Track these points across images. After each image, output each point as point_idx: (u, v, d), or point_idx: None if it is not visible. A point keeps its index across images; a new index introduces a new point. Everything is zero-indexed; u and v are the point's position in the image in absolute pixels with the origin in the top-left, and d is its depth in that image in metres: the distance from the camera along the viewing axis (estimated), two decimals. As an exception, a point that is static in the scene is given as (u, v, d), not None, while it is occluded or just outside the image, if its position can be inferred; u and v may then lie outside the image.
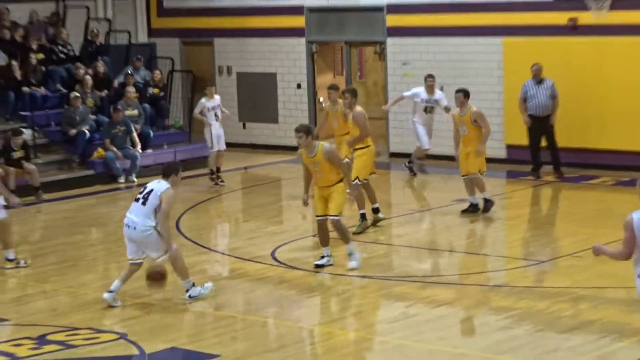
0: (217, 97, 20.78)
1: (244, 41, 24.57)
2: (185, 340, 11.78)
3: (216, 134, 20.33)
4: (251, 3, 24.32)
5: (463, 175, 16.85)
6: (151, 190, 12.48)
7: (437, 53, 21.99)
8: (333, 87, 17.86)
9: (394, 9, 22.39)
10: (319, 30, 23.64)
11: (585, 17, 18.81)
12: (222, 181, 20.58)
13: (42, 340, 11.47)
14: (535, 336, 11.31)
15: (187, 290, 12.64)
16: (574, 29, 20.09)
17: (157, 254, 12.56)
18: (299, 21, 23.67)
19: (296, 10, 23.66)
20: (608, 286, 13.06)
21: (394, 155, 22.39)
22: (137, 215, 12.48)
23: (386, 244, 15.97)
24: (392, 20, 22.46)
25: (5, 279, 14.67)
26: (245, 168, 22.61)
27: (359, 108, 16.42)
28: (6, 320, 12.42)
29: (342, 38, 23.52)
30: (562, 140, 19.74)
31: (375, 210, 16.27)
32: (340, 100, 17.39)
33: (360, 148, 16.06)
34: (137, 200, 12.61)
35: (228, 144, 20.89)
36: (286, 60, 24.04)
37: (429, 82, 20.12)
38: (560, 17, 20.06)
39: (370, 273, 13.91)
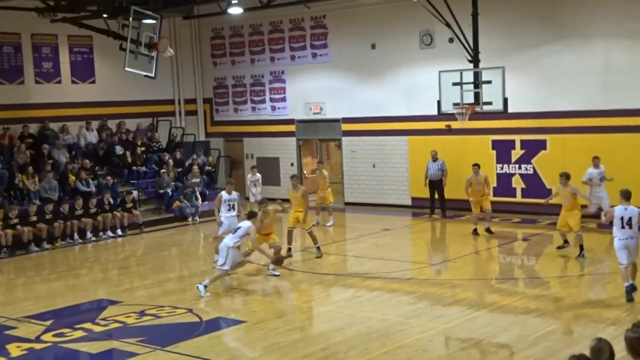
0: (258, 175, 20.98)
1: (260, 139, 24.48)
2: (226, 312, 11.64)
3: (255, 193, 20.43)
4: (264, 117, 24.29)
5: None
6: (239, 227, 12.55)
7: (371, 145, 21.90)
8: (293, 177, 16.01)
9: (346, 120, 22.36)
10: (303, 132, 23.57)
11: (455, 124, 18.64)
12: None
13: (142, 313, 11.40)
14: (430, 308, 11.23)
15: (201, 283, 12.44)
16: (449, 131, 20.08)
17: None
18: (291, 127, 23.67)
19: (290, 122, 23.67)
20: (470, 278, 12.99)
21: (348, 204, 22.12)
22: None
23: (342, 254, 15.79)
24: (345, 127, 22.44)
25: (120, 276, 14.49)
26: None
27: (304, 188, 15.67)
28: (121, 302, 12.26)
29: (316, 137, 23.48)
30: (448, 194, 19.65)
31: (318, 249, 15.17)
32: (300, 186, 15.61)
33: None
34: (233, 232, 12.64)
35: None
36: (284, 150, 23.96)
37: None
38: (441, 124, 20.04)
39: (332, 271, 13.76)
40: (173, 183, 21.65)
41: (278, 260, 13.16)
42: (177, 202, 21.06)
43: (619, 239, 10.95)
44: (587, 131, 18.13)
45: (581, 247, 14.01)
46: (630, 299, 10.89)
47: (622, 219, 10.89)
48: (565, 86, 18.40)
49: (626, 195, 11.20)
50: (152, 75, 16.75)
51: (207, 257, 15.31)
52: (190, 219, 20.85)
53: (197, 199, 21.22)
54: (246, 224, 12.53)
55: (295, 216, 15.25)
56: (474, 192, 16.50)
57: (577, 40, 18.20)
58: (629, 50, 17.57)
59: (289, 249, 15.21)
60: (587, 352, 5.31)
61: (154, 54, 16.61)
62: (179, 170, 22.51)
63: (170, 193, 21.24)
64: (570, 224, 14.09)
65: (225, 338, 10.37)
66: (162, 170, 21.66)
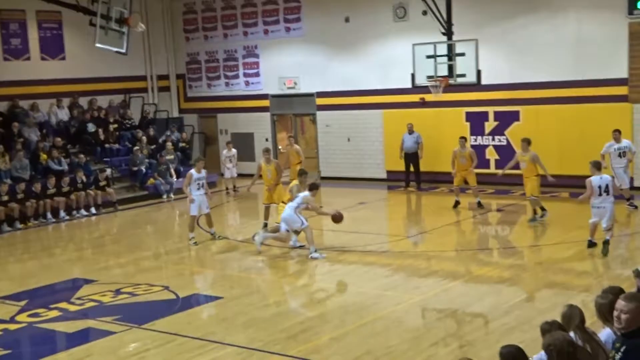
0: (233, 150, 21.10)
1: (234, 115, 24.31)
2: (202, 289, 11.63)
3: (231, 170, 20.63)
4: (238, 93, 24.12)
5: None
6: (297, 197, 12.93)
7: (346, 119, 21.82)
8: (267, 150, 15.84)
9: (321, 95, 22.26)
10: (277, 107, 23.44)
11: (430, 97, 18.68)
12: (237, 191, 20.43)
13: (117, 292, 11.34)
14: (406, 280, 11.32)
15: (311, 252, 12.72)
16: (423, 104, 20.10)
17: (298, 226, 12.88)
18: (265, 103, 23.52)
19: (264, 97, 23.51)
20: (446, 249, 13.09)
21: (323, 178, 22.04)
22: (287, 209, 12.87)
23: (318, 229, 15.83)
24: (320, 101, 22.34)
25: (94, 255, 14.40)
26: (235, 187, 22.12)
27: (276, 161, 15.70)
28: (96, 280, 12.20)
29: (291, 112, 23.35)
30: (423, 167, 19.73)
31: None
32: (273, 159, 15.62)
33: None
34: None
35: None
36: (259, 125, 23.81)
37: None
38: (416, 97, 20.03)
39: (308, 246, 13.82)
40: (147, 160, 21.44)
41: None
42: (151, 179, 20.91)
43: (597, 207, 11.69)
44: (559, 102, 18.26)
45: (534, 211, 14.61)
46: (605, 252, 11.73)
47: (599, 187, 11.63)
48: (538, 58, 18.46)
49: (597, 166, 12.00)
50: (124, 51, 16.53)
51: (182, 234, 15.25)
52: (164, 196, 20.73)
53: (171, 176, 21.09)
54: (303, 193, 12.99)
55: (269, 191, 15.21)
56: (459, 165, 16.40)
57: (549, 12, 18.24)
58: (600, 21, 17.65)
59: (265, 224, 15.20)
60: (559, 319, 5.40)
61: (125, 29, 16.36)
62: (153, 147, 22.31)
63: (144, 170, 21.05)
64: (526, 188, 14.68)
65: (202, 314, 10.39)
66: (136, 148, 21.46)
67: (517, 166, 15.15)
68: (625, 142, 15.41)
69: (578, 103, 18.00)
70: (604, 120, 17.52)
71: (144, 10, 23.64)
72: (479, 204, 16.50)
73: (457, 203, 16.62)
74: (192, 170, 14.50)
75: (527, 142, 14.74)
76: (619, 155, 15.31)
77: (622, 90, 17.45)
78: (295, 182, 13.86)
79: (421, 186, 19.70)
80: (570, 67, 18.08)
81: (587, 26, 17.83)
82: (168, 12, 25.11)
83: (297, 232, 13.33)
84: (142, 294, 11.12)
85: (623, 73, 17.41)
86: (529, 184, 14.65)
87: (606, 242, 11.78)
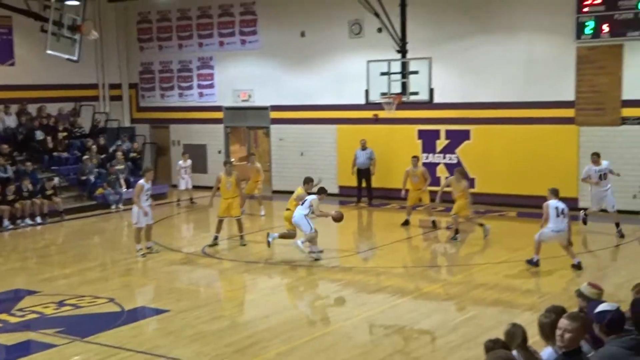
0: (189, 161, 20.95)
1: (187, 126, 24.13)
2: (149, 301, 11.46)
3: (186, 181, 20.58)
4: (191, 104, 23.96)
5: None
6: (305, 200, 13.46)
7: (299, 134, 21.83)
8: (228, 163, 15.61)
9: (275, 108, 22.23)
10: (231, 120, 23.36)
11: (383, 114, 18.73)
12: (194, 203, 20.23)
13: (61, 304, 11.12)
14: (355, 295, 11.33)
15: (312, 252, 13.51)
16: (377, 120, 20.20)
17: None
18: (219, 115, 23.41)
19: (218, 109, 23.40)
20: (395, 266, 13.15)
21: (276, 192, 22.05)
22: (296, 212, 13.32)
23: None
24: (273, 114, 22.32)
25: (38, 265, 14.10)
26: (190, 199, 21.86)
27: (237, 173, 15.33)
28: (39, 291, 11.92)
29: (245, 124, 23.29)
30: (375, 183, 19.85)
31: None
32: (234, 172, 15.20)
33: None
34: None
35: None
36: (212, 137, 23.68)
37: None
38: (369, 114, 20.11)
39: (259, 259, 13.70)
40: (96, 170, 21.15)
41: (338, 217, 13.69)
42: (100, 189, 20.60)
43: (553, 230, 12.04)
44: (509, 122, 18.57)
45: (455, 231, 15.08)
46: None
47: (557, 208, 11.99)
48: (490, 78, 18.76)
49: (555, 192, 12.33)
50: (75, 58, 16.27)
51: (130, 245, 15.00)
52: (114, 207, 20.41)
53: (121, 186, 20.80)
54: (311, 197, 13.50)
55: (226, 204, 14.99)
56: (411, 184, 16.46)
57: (501, 33, 18.58)
58: (550, 45, 18.01)
59: (216, 237, 15.07)
60: (503, 337, 5.46)
61: (77, 36, 16.11)
62: (103, 156, 22.00)
63: (93, 180, 20.75)
64: (455, 208, 15.07)
65: (148, 328, 10.23)
66: (85, 157, 21.16)
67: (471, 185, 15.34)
68: (604, 163, 15.14)
69: (527, 124, 18.32)
70: (552, 141, 17.92)
71: (97, 17, 23.36)
72: (433, 224, 16.54)
73: (406, 222, 16.67)
74: (142, 181, 14.32)
75: (460, 172, 15.40)
76: (600, 178, 15.07)
77: (570, 112, 17.85)
78: (300, 189, 14.03)
79: (372, 202, 19.78)
80: (521, 88, 18.42)
81: (537, 49, 18.18)
82: (122, 20, 24.87)
83: (339, 218, 13.98)
84: (87, 306, 10.90)
85: (571, 96, 17.81)
86: (456, 204, 15.11)
87: (576, 266, 12.17)
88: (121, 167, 21.38)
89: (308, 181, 14.04)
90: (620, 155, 17.21)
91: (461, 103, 19.10)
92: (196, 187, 21.38)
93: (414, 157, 16.97)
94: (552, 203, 12.01)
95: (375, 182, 19.82)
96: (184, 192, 21.02)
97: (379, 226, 17.70)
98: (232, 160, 19.42)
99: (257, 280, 12.60)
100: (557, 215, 11.93)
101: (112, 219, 19.60)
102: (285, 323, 9.90)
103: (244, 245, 14.96)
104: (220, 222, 15.15)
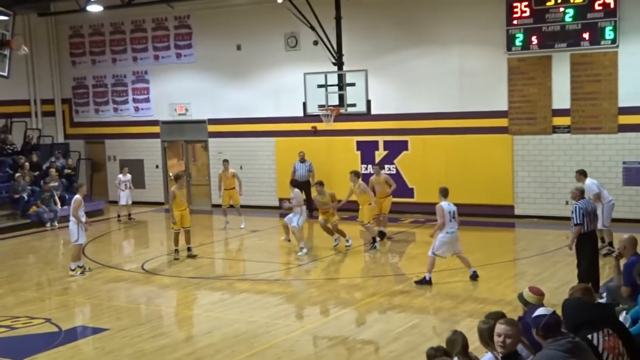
0: (128, 175, 20.67)
1: (123, 141, 23.79)
2: (87, 321, 11.21)
3: (126, 196, 20.21)
4: (127, 119, 23.68)
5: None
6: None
7: (238, 147, 21.72)
8: (177, 176, 15.38)
9: (212, 122, 22.13)
10: (168, 134, 23.15)
11: (321, 126, 18.70)
12: (133, 219, 19.94)
13: (-6, 325, 10.70)
14: (297, 308, 11.33)
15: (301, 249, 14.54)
16: (315, 132, 20.28)
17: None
18: (156, 129, 23.19)
19: (154, 123, 23.19)
20: (337, 277, 13.18)
21: (215, 206, 21.79)
22: None
23: (209, 257, 15.61)
24: (211, 128, 22.21)
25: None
26: (126, 215, 21.48)
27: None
28: (-28, 314, 11.52)
29: (182, 138, 23.06)
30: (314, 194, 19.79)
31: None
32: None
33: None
34: None
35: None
36: (149, 152, 23.42)
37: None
38: (307, 126, 20.14)
39: (199, 275, 13.58)
40: (29, 187, 20.69)
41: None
42: (34, 207, 20.11)
43: (448, 232, 12.06)
44: (445, 132, 18.86)
45: (373, 239, 15.18)
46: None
47: (450, 212, 12.01)
48: (424, 89, 19.03)
49: (444, 193, 12.35)
50: (5, 74, 15.93)
51: (67, 263, 14.63)
52: (48, 225, 19.94)
53: (55, 204, 20.33)
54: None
55: (180, 215, 14.94)
56: (377, 192, 16.09)
57: (434, 46, 18.89)
58: (482, 56, 18.41)
59: (176, 251, 15.03)
60: (444, 345, 5.53)
61: (6, 52, 15.78)
62: (36, 173, 21.53)
63: (26, 198, 20.29)
64: (360, 215, 15.26)
65: (86, 347, 10.00)
66: (17, 174, 20.68)
67: (398, 193, 15.75)
68: (588, 181, 13.61)
69: (463, 134, 18.65)
70: (488, 150, 18.29)
71: (27, 32, 22.89)
72: (382, 234, 16.09)
73: (382, 234, 16.11)
74: (78, 195, 14.07)
75: (355, 174, 15.53)
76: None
77: (503, 122, 18.26)
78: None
79: (313, 214, 19.77)
80: (455, 99, 18.74)
81: (469, 60, 18.55)
82: (53, 35, 24.36)
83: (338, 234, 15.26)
84: (22, 327, 10.61)
85: (504, 106, 18.23)
86: (362, 211, 15.26)
87: (473, 276, 12.27)
88: (55, 184, 20.92)
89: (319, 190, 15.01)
90: (552, 163, 17.73)
91: (398, 114, 19.31)
92: (135, 203, 21.06)
93: (376, 164, 16.96)
94: (446, 207, 11.97)
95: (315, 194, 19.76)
96: (124, 207, 20.60)
97: (320, 238, 17.69)
98: (171, 173, 19.20)
99: (198, 295, 12.47)
100: (450, 220, 11.94)
101: (47, 237, 19.13)
102: (227, 338, 9.80)
103: (194, 256, 14.93)
104: (177, 234, 15.05)
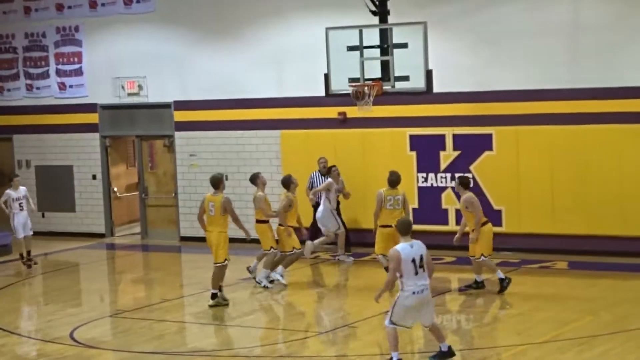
0: (22, 189, 20.55)
1: (41, 137, 23.91)
2: None
3: (22, 222, 20.08)
4: (47, 102, 23.81)
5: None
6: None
7: (222, 145, 21.71)
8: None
9: (180, 106, 22.04)
10: (111, 125, 23.15)
11: (353, 111, 18.61)
12: (34, 263, 20.27)
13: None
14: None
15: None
16: (344, 121, 20.11)
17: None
18: (92, 118, 23.14)
19: (90, 108, 23.15)
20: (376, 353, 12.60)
21: (184, 239, 21.87)
22: None
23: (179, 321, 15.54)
24: (179, 115, 22.12)
25: None
26: (46, 254, 21.52)
27: None
28: None
29: (133, 132, 23.06)
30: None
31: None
32: None
33: None
34: None
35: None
36: (82, 154, 23.50)
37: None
38: (332, 111, 19.99)
39: (163, 347, 13.43)
40: None
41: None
42: None
43: (414, 292, 11.75)
44: (550, 121, 18.48)
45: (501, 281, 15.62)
46: None
47: (413, 260, 11.77)
48: (515, 53, 18.85)
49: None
50: None
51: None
52: None
53: None
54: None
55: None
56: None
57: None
58: (607, 1, 18.17)
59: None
60: None
61: None
62: None
63: None
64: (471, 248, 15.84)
65: None
66: None
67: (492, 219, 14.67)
68: None
69: (577, 123, 18.29)
70: (618, 150, 17.93)
71: None
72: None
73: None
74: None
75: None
76: None
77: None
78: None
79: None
80: (565, 70, 18.43)
81: (587, 9, 18.22)
82: None
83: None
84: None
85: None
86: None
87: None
88: None
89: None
90: None
91: (475, 93, 19.17)
92: (55, 235, 21.15)
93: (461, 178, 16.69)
94: (406, 250, 11.77)
95: (348, 222, 19.39)
96: (21, 241, 20.36)
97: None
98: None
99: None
100: (415, 273, 11.74)
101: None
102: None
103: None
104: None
